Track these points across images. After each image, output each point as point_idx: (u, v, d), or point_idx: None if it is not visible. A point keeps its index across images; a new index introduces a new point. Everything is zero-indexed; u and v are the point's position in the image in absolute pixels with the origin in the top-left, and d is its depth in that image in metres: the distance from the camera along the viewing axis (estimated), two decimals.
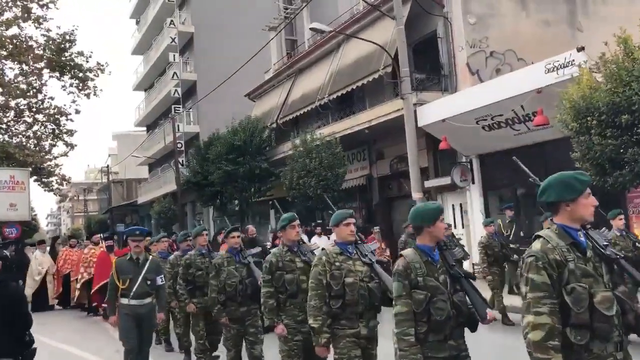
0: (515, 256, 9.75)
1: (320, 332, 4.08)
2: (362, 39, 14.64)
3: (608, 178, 8.46)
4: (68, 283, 13.90)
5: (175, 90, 32.79)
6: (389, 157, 17.66)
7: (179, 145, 30.98)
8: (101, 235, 13.36)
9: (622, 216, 7.82)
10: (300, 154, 16.75)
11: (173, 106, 32.63)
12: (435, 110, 13.87)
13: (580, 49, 10.05)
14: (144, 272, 6.13)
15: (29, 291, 15.03)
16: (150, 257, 6.38)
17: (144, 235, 6.31)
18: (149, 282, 6.13)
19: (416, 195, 13.81)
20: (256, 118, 21.79)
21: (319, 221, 19.34)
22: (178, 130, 30.76)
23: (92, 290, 11.06)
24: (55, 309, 15.01)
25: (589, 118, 8.47)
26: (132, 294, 6.08)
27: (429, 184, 15.41)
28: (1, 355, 3.98)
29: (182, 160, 31.53)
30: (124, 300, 6.13)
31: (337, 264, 4.14)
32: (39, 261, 14.78)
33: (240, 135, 20.88)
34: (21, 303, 4.28)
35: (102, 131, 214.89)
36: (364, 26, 16.63)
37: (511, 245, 10.23)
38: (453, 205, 15.56)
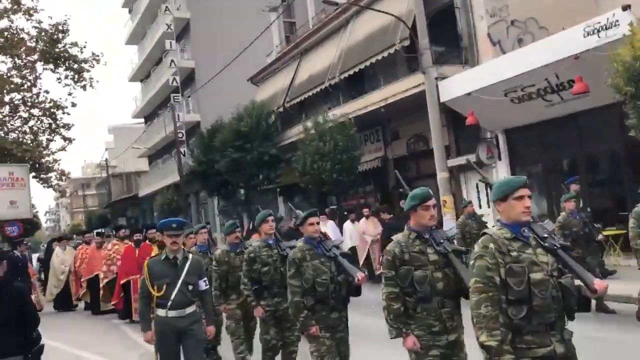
0: (600, 236, 8.59)
1: (501, 353, 2.83)
2: (378, 10, 13.77)
3: None
4: (95, 285, 12.07)
5: (174, 78, 31.86)
6: (405, 137, 16.86)
7: (179, 135, 30.13)
8: (122, 228, 12.20)
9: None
10: (312, 137, 15.95)
11: (172, 95, 31.72)
12: (459, 83, 13.05)
13: (626, 7, 9.22)
14: (183, 274, 4.86)
15: (54, 291, 14.27)
16: (190, 255, 5.08)
17: (182, 228, 4.96)
18: (190, 288, 4.88)
19: (441, 174, 13.10)
20: (262, 102, 20.93)
21: (332, 207, 18.66)
22: (178, 119, 29.88)
23: (117, 285, 9.95)
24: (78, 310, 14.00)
25: None
26: (170, 303, 4.82)
27: (451, 162, 14.61)
28: (8, 354, 4.11)
29: (184, 150, 30.75)
30: (161, 312, 4.88)
31: (514, 253, 2.96)
32: (60, 259, 13.87)
33: (246, 120, 20.06)
34: (26, 302, 4.39)
35: (97, 125, 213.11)
36: None
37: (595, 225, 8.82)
38: (477, 184, 14.79)
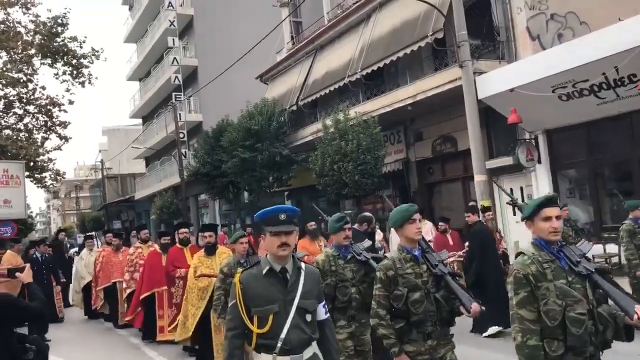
0: None
1: None
2: None
3: None
4: (113, 294, 10.43)
5: (176, 77, 30.73)
6: (430, 138, 15.84)
7: (181, 135, 28.99)
8: (140, 229, 10.13)
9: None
10: (332, 136, 14.87)
11: (173, 94, 30.59)
12: (499, 79, 12.04)
13: None
14: (297, 297, 3.00)
15: (77, 297, 12.98)
16: (303, 264, 3.15)
17: (294, 221, 3.02)
18: (308, 318, 3.01)
19: (479, 177, 12.05)
20: (273, 100, 19.85)
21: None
22: (180, 119, 28.75)
23: (135, 299, 8.43)
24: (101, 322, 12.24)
25: None
26: (280, 345, 2.93)
27: (487, 165, 13.58)
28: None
29: (185, 151, 29.64)
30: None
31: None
32: (85, 262, 12.50)
33: (257, 119, 18.96)
34: (13, 308, 3.63)
35: (90, 127, 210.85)
36: None
37: None
38: (512, 188, 13.78)
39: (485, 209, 9.54)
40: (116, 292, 10.10)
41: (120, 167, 49.32)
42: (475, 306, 3.36)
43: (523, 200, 13.57)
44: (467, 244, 8.35)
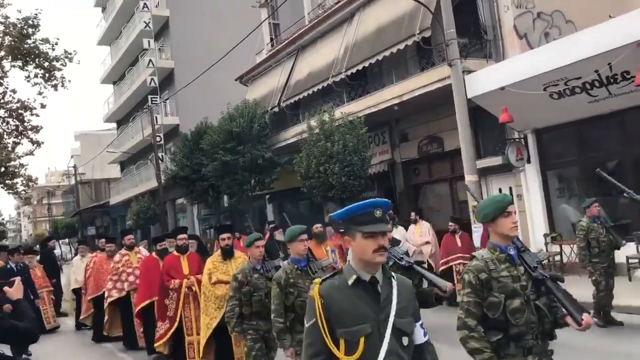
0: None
1: None
2: None
3: None
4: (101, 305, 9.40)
5: (152, 79, 30.07)
6: (416, 139, 15.61)
7: (157, 139, 28.35)
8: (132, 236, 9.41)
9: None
10: (318, 137, 14.53)
11: (150, 96, 29.92)
12: (489, 77, 11.85)
13: None
14: (392, 314, 2.39)
15: (68, 306, 12.29)
16: (394, 274, 2.52)
17: (387, 217, 2.48)
18: (405, 341, 2.41)
19: (470, 177, 11.83)
20: (254, 102, 19.44)
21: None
22: (156, 122, 28.12)
23: (136, 311, 7.54)
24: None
25: None
26: None
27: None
28: None
29: (162, 155, 29.01)
30: None
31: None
32: (74, 268, 11.81)
33: (238, 121, 18.52)
34: None
35: (62, 131, 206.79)
36: None
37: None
38: (500, 189, 13.62)
39: (451, 220, 9.61)
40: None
41: (94, 172, 48.27)
42: (587, 318, 2.91)
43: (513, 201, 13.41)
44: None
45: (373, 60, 14.57)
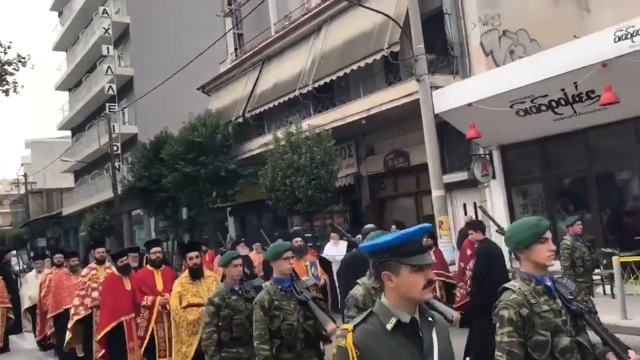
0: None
1: None
2: (371, 9, 12.47)
3: None
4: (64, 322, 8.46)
5: (110, 86, 29.27)
6: (382, 153, 15.60)
7: (115, 148, 27.59)
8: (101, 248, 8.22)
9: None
10: (284, 149, 14.33)
11: (107, 104, 29.11)
12: (456, 93, 11.93)
13: None
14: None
15: (26, 323, 11.51)
16: (431, 312, 2.21)
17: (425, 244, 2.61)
18: None
19: (437, 192, 11.85)
20: (217, 112, 19.10)
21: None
22: (113, 131, 27.37)
23: (99, 336, 6.67)
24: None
25: None
26: None
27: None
28: None
29: (119, 165, 28.22)
30: None
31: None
32: (29, 285, 11.05)
33: (200, 131, 18.14)
34: None
35: (11, 139, 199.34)
36: None
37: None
38: (465, 204, 13.71)
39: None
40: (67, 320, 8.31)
41: (45, 181, 46.58)
42: (633, 355, 2.63)
43: (477, 217, 13.51)
44: (470, 265, 7.54)
45: (341, 73, 14.52)
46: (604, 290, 10.56)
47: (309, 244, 11.66)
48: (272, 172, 14.50)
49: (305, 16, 16.97)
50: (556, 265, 10.71)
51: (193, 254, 5.69)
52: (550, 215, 12.26)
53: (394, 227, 10.70)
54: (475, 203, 13.53)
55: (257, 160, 17.05)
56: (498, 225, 4.60)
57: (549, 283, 2.70)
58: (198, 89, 22.64)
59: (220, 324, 4.57)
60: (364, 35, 14.16)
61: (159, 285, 6.27)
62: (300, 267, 6.56)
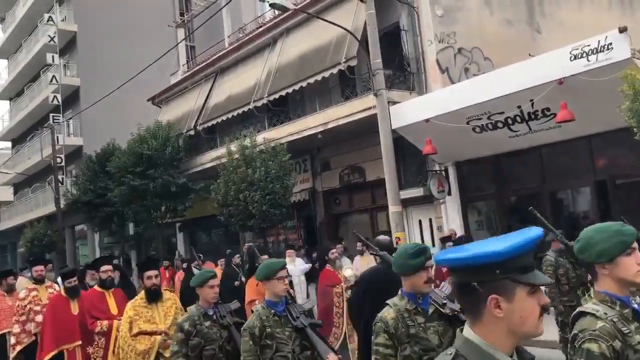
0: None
1: None
2: (330, 22, 12.30)
3: None
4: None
5: (54, 96, 28.15)
6: (338, 168, 15.41)
7: (58, 160, 26.42)
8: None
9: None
10: (238, 163, 13.93)
11: (51, 115, 27.93)
12: (414, 109, 11.89)
13: (623, 29, 8.55)
14: None
15: None
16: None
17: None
18: None
19: (394, 208, 11.69)
20: (168, 124, 18.51)
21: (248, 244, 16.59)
22: (57, 142, 26.22)
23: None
24: None
25: None
26: None
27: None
28: None
29: (62, 178, 27.03)
30: None
31: None
32: None
33: (150, 143, 17.51)
34: None
35: None
36: (321, 9, 14.19)
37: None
38: (420, 220, 13.63)
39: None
40: (5, 345, 7.53)
41: None
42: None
43: (432, 233, 13.47)
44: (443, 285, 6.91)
45: (297, 87, 14.28)
46: None
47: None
48: (224, 187, 14.07)
49: (261, 29, 16.71)
50: None
51: (152, 272, 5.02)
52: (504, 232, 12.31)
53: (359, 244, 10.01)
54: (430, 219, 13.50)
55: (209, 174, 16.58)
56: (554, 232, 4.26)
57: (635, 305, 2.18)
58: (148, 100, 21.96)
59: (189, 354, 3.98)
60: (321, 49, 14.00)
61: (113, 309, 5.58)
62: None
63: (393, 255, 3.05)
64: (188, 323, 4.05)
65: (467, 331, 1.52)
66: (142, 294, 5.07)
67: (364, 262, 9.42)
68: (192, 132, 18.23)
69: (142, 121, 18.99)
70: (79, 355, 5.61)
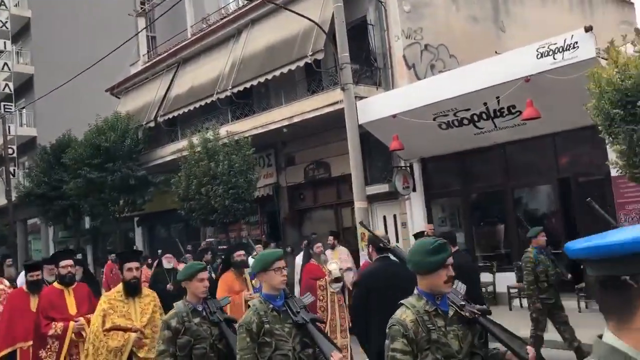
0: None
1: None
2: (298, 14, 12.08)
3: None
4: None
5: (6, 84, 26.98)
6: (303, 163, 15.22)
7: (10, 151, 25.41)
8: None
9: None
10: (200, 156, 13.59)
11: (2, 104, 26.78)
12: (381, 104, 11.81)
13: (589, 28, 8.64)
14: None
15: None
16: None
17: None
18: None
19: (359, 204, 11.60)
20: (127, 115, 17.95)
21: (207, 239, 16.29)
22: (9, 132, 25.20)
23: None
24: None
25: (639, 103, 6.92)
26: None
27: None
28: None
29: (14, 170, 26.00)
30: None
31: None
32: None
33: (108, 135, 16.95)
34: None
35: None
36: (288, 1, 13.91)
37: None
38: (385, 216, 13.59)
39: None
40: None
41: None
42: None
43: (396, 229, 13.44)
44: None
45: (262, 79, 14.01)
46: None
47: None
48: (186, 180, 13.71)
49: (225, 19, 16.36)
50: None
51: (133, 264, 4.65)
52: (468, 229, 12.42)
53: (331, 238, 9.80)
54: (395, 215, 13.47)
55: (170, 168, 16.16)
56: (609, 219, 4.13)
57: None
58: (106, 90, 21.28)
59: (177, 354, 3.65)
60: (287, 41, 13.77)
61: (71, 308, 5.13)
62: (240, 284, 5.78)
63: (409, 250, 2.77)
64: (175, 320, 3.73)
65: (611, 337, 1.23)
66: (119, 287, 4.73)
67: (335, 257, 9.15)
68: (152, 124, 17.74)
69: (101, 112, 18.38)
70: (32, 356, 5.22)
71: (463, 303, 2.72)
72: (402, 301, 2.67)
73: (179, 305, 3.84)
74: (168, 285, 8.46)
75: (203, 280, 3.80)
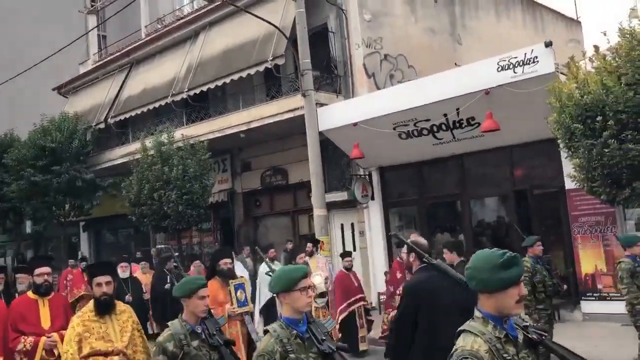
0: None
1: None
2: (259, 17, 11.86)
3: (625, 190, 7.12)
4: None
5: None
6: (259, 169, 14.98)
7: None
8: None
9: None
10: (153, 160, 13.16)
11: None
12: (341, 112, 11.74)
13: (549, 43, 8.82)
14: None
15: None
16: None
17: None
18: None
19: (318, 211, 11.48)
20: (75, 115, 17.25)
21: (161, 246, 15.77)
22: None
23: None
24: None
25: (599, 118, 7.08)
26: None
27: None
28: None
29: None
30: None
31: None
32: None
33: (54, 135, 16.21)
34: None
35: None
36: (248, 4, 13.67)
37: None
38: (342, 224, 13.51)
39: (345, 254, 8.81)
40: None
41: None
42: None
43: (353, 237, 13.39)
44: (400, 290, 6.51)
45: (220, 82, 13.72)
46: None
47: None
48: (137, 185, 13.24)
49: (181, 20, 15.98)
50: None
51: (102, 278, 4.13)
52: (425, 237, 12.44)
53: (309, 245, 9.41)
54: (352, 224, 13.41)
55: (120, 171, 15.61)
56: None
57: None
58: (54, 89, 20.43)
59: None
60: (246, 45, 13.53)
61: (45, 321, 4.67)
62: (225, 294, 5.43)
63: (468, 265, 2.36)
64: (172, 343, 3.34)
65: None
66: (90, 305, 4.22)
67: (313, 265, 8.82)
68: (102, 126, 17.10)
69: (47, 111, 17.59)
70: None
71: (527, 324, 2.39)
72: (464, 327, 2.30)
73: (175, 325, 3.44)
74: (127, 296, 8.09)
75: (204, 298, 3.44)
